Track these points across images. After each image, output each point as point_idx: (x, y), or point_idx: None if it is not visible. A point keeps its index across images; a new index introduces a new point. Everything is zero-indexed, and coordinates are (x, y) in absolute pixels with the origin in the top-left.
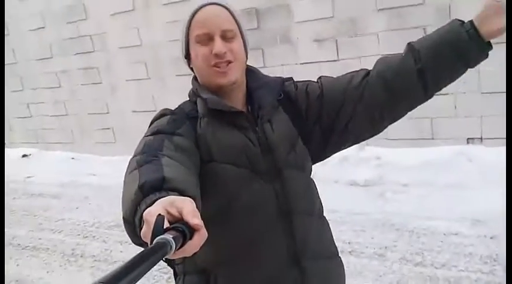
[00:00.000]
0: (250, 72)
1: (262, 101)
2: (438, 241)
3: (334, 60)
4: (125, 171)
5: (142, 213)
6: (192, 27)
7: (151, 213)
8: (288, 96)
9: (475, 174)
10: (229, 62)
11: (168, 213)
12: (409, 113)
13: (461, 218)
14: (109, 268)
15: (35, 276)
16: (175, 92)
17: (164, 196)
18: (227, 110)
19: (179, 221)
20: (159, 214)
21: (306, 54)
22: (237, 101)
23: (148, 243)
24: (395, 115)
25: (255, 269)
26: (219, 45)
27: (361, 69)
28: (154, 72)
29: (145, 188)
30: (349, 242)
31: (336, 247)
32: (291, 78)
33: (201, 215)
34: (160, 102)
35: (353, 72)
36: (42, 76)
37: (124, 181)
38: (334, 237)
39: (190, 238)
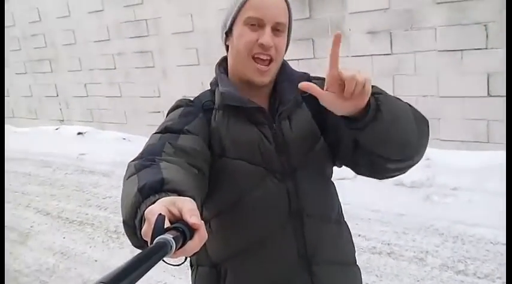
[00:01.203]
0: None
1: (284, 96)
2: (484, 249)
3: (388, 54)
4: (124, 175)
5: (142, 215)
6: (246, 6)
7: (152, 212)
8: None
9: None
10: (271, 61)
11: (169, 211)
12: (465, 114)
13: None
14: None
15: (79, 250)
16: None
17: (164, 197)
18: (244, 106)
19: (180, 221)
20: (160, 214)
21: (358, 46)
22: (260, 95)
23: (149, 243)
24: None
25: (263, 267)
26: (268, 36)
27: None
28: (205, 58)
29: (144, 190)
30: (388, 244)
31: (353, 255)
32: (322, 78)
33: (211, 209)
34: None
35: None
36: (99, 57)
37: (123, 186)
38: (375, 236)
39: (191, 238)
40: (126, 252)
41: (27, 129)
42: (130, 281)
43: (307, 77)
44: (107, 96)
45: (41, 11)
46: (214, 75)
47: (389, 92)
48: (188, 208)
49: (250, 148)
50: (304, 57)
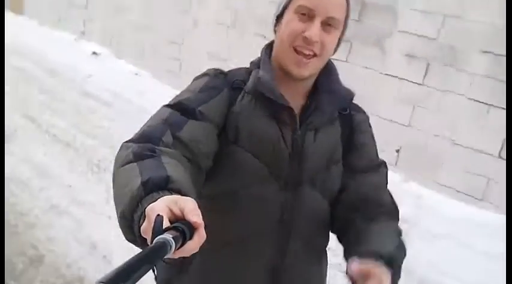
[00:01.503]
0: (327, 67)
1: (321, 107)
2: None
3: (418, 83)
4: (118, 155)
5: (143, 210)
6: None
7: (154, 210)
8: (352, 118)
9: None
10: (314, 55)
11: (171, 210)
12: (467, 165)
13: None
14: None
15: (56, 171)
16: (249, 49)
17: (167, 195)
18: (274, 99)
19: (180, 221)
20: (158, 215)
21: (393, 65)
22: (296, 92)
23: (149, 242)
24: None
25: (232, 267)
26: (315, 30)
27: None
28: (241, 22)
29: (148, 185)
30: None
31: None
32: (360, 109)
33: (205, 190)
34: (233, 55)
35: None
36: None
37: (117, 171)
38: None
39: (190, 238)
40: (102, 189)
41: (49, 30)
42: (130, 282)
43: (351, 97)
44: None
45: None
46: (244, 48)
47: (405, 120)
48: (190, 208)
49: (265, 146)
50: (337, 57)
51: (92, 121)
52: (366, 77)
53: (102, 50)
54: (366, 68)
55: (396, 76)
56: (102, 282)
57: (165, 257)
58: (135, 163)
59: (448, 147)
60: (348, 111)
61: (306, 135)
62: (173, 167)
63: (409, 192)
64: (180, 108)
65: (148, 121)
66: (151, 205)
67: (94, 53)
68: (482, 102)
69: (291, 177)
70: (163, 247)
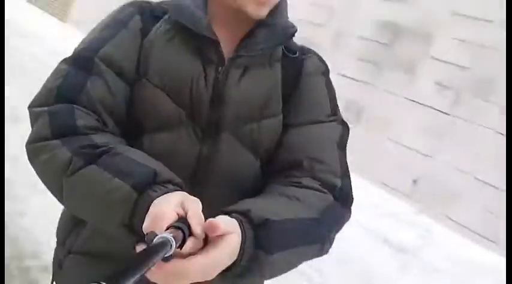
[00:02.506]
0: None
1: (255, 41)
2: None
3: (446, 113)
4: (42, 154)
5: (145, 210)
6: None
7: (164, 217)
8: (302, 63)
9: None
10: None
11: (176, 213)
12: (486, 204)
13: None
14: None
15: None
16: None
17: (165, 191)
18: (195, 31)
19: (181, 220)
20: (147, 233)
21: (422, 92)
22: (238, 30)
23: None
24: None
25: None
26: None
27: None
28: None
29: (141, 185)
30: None
31: None
32: (311, 51)
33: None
34: None
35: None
36: None
37: (70, 179)
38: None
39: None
40: None
41: None
42: (130, 281)
43: (293, 31)
44: None
45: None
46: None
47: (427, 150)
48: (194, 212)
49: (180, 83)
50: (362, 79)
51: None
52: (392, 102)
53: None
54: (393, 93)
55: (423, 104)
56: (102, 281)
57: (166, 255)
58: (93, 166)
59: (469, 183)
60: (297, 54)
61: (230, 74)
62: (132, 151)
63: (418, 224)
64: (78, 61)
65: (42, 90)
66: (159, 209)
67: None
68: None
69: (210, 124)
70: (164, 246)
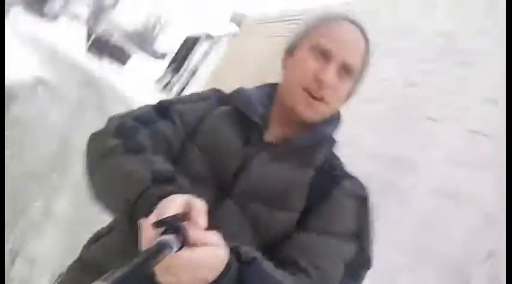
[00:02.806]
0: (335, 118)
1: (299, 139)
2: None
3: None
4: (95, 145)
5: (155, 198)
6: (318, 31)
7: (170, 207)
8: (338, 180)
9: None
10: (323, 99)
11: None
12: None
13: None
14: None
15: None
16: None
17: (175, 190)
18: (246, 113)
19: (183, 222)
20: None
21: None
22: (290, 128)
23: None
24: None
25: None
26: (331, 74)
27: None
28: None
29: (159, 176)
30: None
31: None
32: (368, 197)
33: None
34: None
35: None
36: None
37: (106, 161)
38: None
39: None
40: None
41: None
42: (131, 282)
43: (327, 142)
44: None
45: None
46: None
47: None
48: (198, 207)
49: (218, 153)
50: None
51: None
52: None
53: None
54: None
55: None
56: (104, 282)
57: (167, 256)
58: (132, 155)
59: None
60: (337, 171)
61: (261, 155)
62: (166, 162)
63: None
64: (158, 108)
65: (125, 113)
66: (167, 199)
67: None
68: None
69: (224, 188)
70: (166, 247)
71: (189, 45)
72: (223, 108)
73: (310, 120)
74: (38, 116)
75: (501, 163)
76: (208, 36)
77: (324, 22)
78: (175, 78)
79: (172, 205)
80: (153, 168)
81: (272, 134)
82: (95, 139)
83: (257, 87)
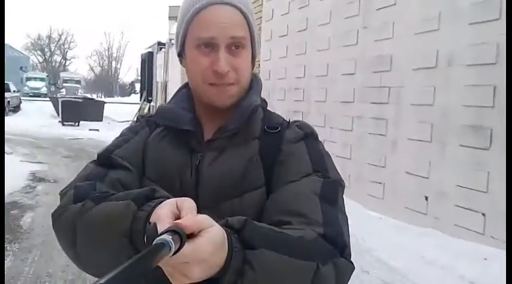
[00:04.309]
0: (253, 84)
1: (226, 125)
2: None
3: None
4: (67, 212)
5: (146, 220)
6: (194, 24)
7: (160, 216)
8: (282, 135)
9: None
10: (231, 84)
11: (172, 214)
12: None
13: None
14: None
15: None
16: (453, 163)
17: (163, 201)
18: (174, 126)
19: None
20: (149, 222)
21: None
22: (219, 118)
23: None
24: None
25: None
26: (222, 61)
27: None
28: (438, 136)
29: (139, 199)
30: None
31: None
32: (312, 132)
33: None
34: (435, 171)
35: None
36: (340, 118)
37: (85, 217)
38: None
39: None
40: None
41: None
42: (130, 282)
43: (251, 109)
44: (337, 156)
45: (307, 69)
46: (443, 157)
47: None
48: (187, 206)
49: (171, 175)
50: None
51: None
52: None
53: None
54: None
55: None
56: (103, 282)
57: (166, 257)
58: (104, 203)
59: None
60: (279, 128)
61: (205, 158)
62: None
63: None
64: (100, 161)
65: (72, 181)
66: (155, 212)
67: None
68: None
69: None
70: (164, 248)
71: None
72: (157, 131)
73: (231, 103)
74: None
75: None
76: None
77: (196, 13)
78: None
79: (163, 211)
80: (129, 197)
81: (209, 130)
82: (58, 215)
83: (174, 95)
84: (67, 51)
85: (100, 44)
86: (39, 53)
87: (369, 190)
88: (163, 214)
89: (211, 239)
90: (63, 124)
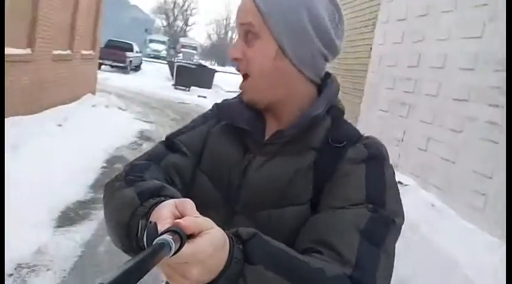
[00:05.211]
0: (323, 88)
1: (281, 132)
2: None
3: None
4: (107, 187)
5: (145, 216)
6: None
7: (160, 217)
8: (345, 152)
9: None
10: (246, 75)
11: (173, 214)
12: None
13: None
14: None
15: None
16: None
17: (164, 201)
18: (232, 123)
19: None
20: (150, 222)
21: None
22: (279, 121)
23: (146, 246)
24: None
25: None
26: (233, 45)
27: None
28: None
29: (144, 194)
30: None
31: None
32: (379, 155)
33: None
34: None
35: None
36: (448, 115)
37: (111, 197)
38: None
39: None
40: None
41: None
42: (131, 283)
43: (311, 116)
44: (441, 158)
45: (421, 58)
46: None
47: None
48: (187, 207)
49: (222, 170)
50: None
51: None
52: None
53: (408, 181)
54: None
55: None
56: (104, 283)
57: (166, 258)
58: (130, 187)
59: None
60: (344, 143)
61: (255, 160)
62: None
63: None
64: (166, 142)
65: (140, 155)
66: (155, 211)
67: (399, 182)
68: None
69: (231, 207)
70: (164, 248)
71: None
72: (222, 122)
73: (255, 102)
74: None
75: None
76: None
77: None
78: None
79: (163, 211)
80: (137, 190)
81: (271, 131)
82: (106, 186)
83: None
84: (188, 18)
85: (218, 13)
86: (163, 16)
87: (469, 200)
88: (163, 214)
89: (211, 240)
90: (176, 88)
